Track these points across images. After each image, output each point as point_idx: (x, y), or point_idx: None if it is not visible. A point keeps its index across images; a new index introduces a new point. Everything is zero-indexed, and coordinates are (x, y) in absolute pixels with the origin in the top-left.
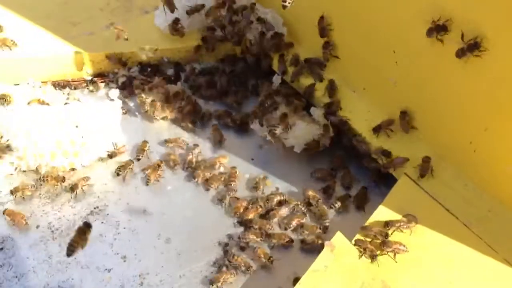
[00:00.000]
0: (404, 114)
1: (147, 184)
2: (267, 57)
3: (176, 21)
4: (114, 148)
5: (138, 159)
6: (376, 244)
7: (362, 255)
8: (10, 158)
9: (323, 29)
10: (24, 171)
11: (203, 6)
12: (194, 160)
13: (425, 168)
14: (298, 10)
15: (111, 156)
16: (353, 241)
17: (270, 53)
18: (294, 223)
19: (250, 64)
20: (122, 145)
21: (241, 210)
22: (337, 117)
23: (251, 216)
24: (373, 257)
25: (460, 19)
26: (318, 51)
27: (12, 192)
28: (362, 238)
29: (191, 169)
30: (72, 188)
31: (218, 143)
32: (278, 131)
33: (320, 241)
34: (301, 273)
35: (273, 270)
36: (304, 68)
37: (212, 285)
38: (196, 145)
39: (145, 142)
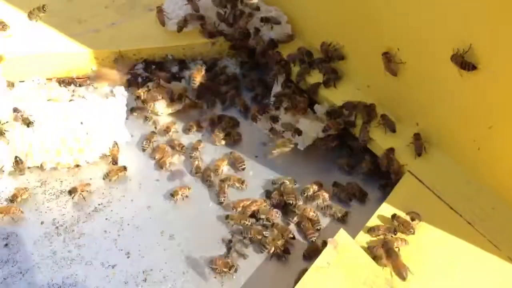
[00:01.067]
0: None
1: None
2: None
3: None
4: (109, 154)
5: (144, 150)
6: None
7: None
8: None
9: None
10: (29, 167)
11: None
12: (201, 165)
13: (419, 146)
14: (302, 8)
15: (114, 162)
16: (356, 241)
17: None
18: (295, 217)
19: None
20: (113, 147)
21: (241, 206)
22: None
23: (253, 208)
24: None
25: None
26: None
27: (11, 200)
28: (371, 244)
29: (200, 174)
30: (71, 192)
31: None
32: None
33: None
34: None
35: (281, 264)
36: (308, 68)
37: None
38: (198, 142)
39: (152, 133)
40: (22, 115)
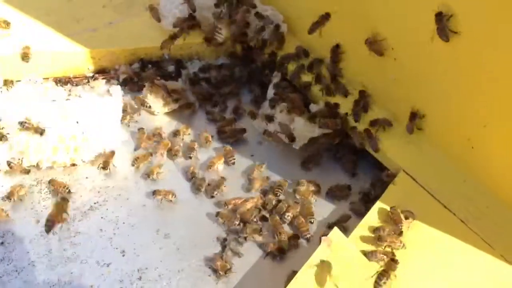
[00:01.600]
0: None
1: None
2: (273, 54)
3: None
4: (103, 157)
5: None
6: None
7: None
8: (11, 153)
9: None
10: (27, 166)
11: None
12: (196, 170)
13: (409, 127)
14: (299, 7)
15: (104, 167)
16: (350, 239)
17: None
18: (290, 214)
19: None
20: (109, 152)
21: (232, 203)
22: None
23: (249, 206)
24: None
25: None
26: (318, 47)
27: (8, 198)
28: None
29: (194, 179)
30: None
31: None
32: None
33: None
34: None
35: (276, 262)
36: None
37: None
38: (193, 142)
39: (141, 129)
40: (32, 125)
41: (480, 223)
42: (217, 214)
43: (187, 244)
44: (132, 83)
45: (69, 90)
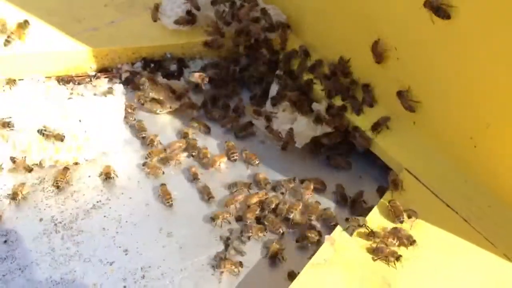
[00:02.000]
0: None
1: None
2: (276, 53)
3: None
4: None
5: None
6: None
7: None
8: (14, 152)
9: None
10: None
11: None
12: (198, 172)
13: (405, 102)
14: (301, 7)
15: (107, 177)
16: (353, 238)
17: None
18: (294, 212)
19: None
20: (106, 166)
21: (232, 202)
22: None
23: (254, 200)
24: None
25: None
26: (320, 47)
27: (13, 198)
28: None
29: (197, 180)
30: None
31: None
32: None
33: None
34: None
35: (270, 265)
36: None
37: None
38: (194, 140)
39: (140, 121)
40: (52, 133)
41: (483, 222)
42: (213, 219)
43: (189, 243)
44: (134, 82)
45: (72, 89)
